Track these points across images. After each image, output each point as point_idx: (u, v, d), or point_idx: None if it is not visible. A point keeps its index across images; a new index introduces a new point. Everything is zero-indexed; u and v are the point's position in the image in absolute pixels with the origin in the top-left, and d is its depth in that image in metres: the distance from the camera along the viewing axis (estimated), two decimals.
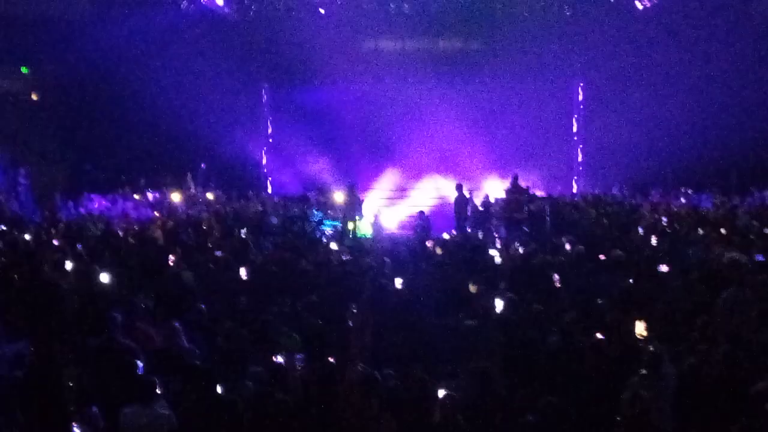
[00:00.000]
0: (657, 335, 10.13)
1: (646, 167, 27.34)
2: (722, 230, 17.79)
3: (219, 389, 8.35)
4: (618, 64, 28.26)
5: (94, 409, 7.92)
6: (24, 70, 28.69)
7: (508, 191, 23.97)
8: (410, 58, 29.84)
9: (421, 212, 23.72)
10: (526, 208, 23.43)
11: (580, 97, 31.19)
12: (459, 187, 23.76)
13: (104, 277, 12.97)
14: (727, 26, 25.85)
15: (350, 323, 11.08)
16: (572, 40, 28.38)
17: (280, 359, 9.00)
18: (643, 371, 8.72)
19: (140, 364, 8.85)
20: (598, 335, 9.74)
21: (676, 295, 11.85)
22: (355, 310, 11.32)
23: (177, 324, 9.86)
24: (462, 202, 23.71)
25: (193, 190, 28.33)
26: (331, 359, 8.88)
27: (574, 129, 31.33)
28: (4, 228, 19.13)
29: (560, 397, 8.06)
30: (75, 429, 7.57)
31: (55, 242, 17.21)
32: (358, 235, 20.85)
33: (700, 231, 17.97)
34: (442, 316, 10.77)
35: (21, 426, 7.72)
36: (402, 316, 11.14)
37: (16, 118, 27.14)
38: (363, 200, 24.20)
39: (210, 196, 27.66)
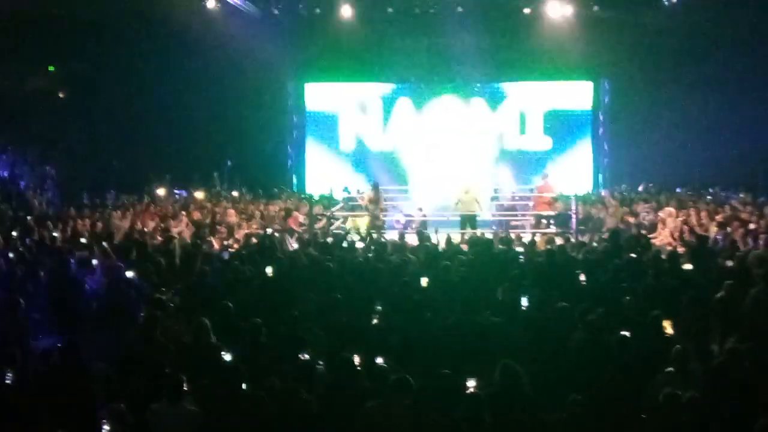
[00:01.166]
0: (683, 333, 10.10)
1: (673, 165, 27.18)
2: (751, 226, 17.71)
3: (245, 387, 8.36)
4: (644, 61, 28.08)
5: (122, 405, 7.96)
6: (51, 68, 28.86)
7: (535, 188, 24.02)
8: (437, 55, 29.80)
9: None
10: (552, 206, 23.40)
11: (605, 95, 31.05)
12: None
13: (131, 274, 13.05)
14: (758, 21, 25.56)
15: (375, 321, 11.06)
16: (597, 37, 28.21)
17: (306, 357, 9.01)
18: (670, 369, 8.70)
19: (167, 361, 8.90)
20: (624, 333, 9.72)
21: (702, 293, 11.76)
22: (380, 308, 11.32)
23: (204, 321, 9.89)
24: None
25: (218, 188, 28.46)
26: (356, 357, 8.85)
27: (600, 126, 31.19)
28: (33, 224, 19.25)
29: (586, 394, 8.05)
30: (104, 425, 7.62)
31: (83, 239, 17.33)
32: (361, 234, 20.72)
33: (728, 228, 17.85)
34: (467, 313, 10.72)
35: (49, 422, 7.77)
36: (427, 313, 11.13)
37: (44, 115, 27.30)
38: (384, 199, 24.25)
39: (235, 194, 27.78)
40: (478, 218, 22.92)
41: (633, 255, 14.71)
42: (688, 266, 13.74)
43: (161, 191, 26.52)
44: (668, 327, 10.12)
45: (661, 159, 27.39)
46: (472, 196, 23.03)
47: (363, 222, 23.11)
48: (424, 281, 12.71)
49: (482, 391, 8.07)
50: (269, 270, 13.57)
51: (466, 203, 22.80)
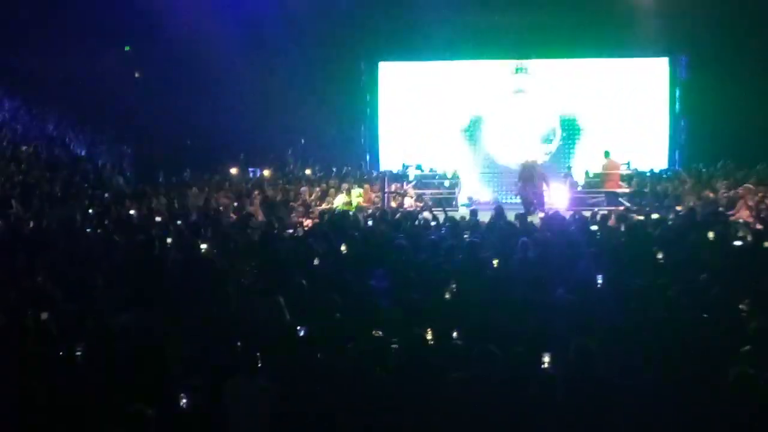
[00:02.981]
0: (762, 311, 9.91)
1: (753, 142, 26.61)
2: None
3: (320, 362, 8.40)
4: (723, 35, 27.51)
5: (198, 380, 8.05)
6: (127, 48, 29.19)
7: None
8: (512, 33, 29.53)
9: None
10: (626, 183, 23.16)
11: (682, 70, 30.56)
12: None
13: (206, 251, 13.17)
14: None
15: (448, 297, 11.03)
16: (675, 12, 27.72)
17: (379, 333, 9.02)
18: (747, 348, 8.55)
19: (242, 337, 8.98)
20: (701, 311, 9.58)
21: None
22: (453, 285, 11.28)
23: (279, 299, 9.94)
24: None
25: (292, 166, 28.62)
26: (429, 333, 8.84)
27: (677, 102, 30.72)
28: (110, 202, 19.53)
29: (662, 373, 7.95)
30: (182, 399, 7.72)
31: (158, 218, 17.53)
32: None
33: None
34: (541, 291, 10.65)
35: (128, 396, 7.88)
36: (501, 290, 11.07)
37: (120, 95, 27.64)
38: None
39: (308, 172, 27.91)
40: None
41: (710, 232, 14.50)
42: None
43: (234, 170, 26.74)
44: (746, 304, 9.96)
45: (740, 135, 26.82)
46: (535, 173, 22.88)
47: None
48: (495, 262, 12.65)
49: (555, 369, 8.02)
50: (343, 247, 13.61)
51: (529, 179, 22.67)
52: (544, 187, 22.85)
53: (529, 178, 22.53)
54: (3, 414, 7.67)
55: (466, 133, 31.23)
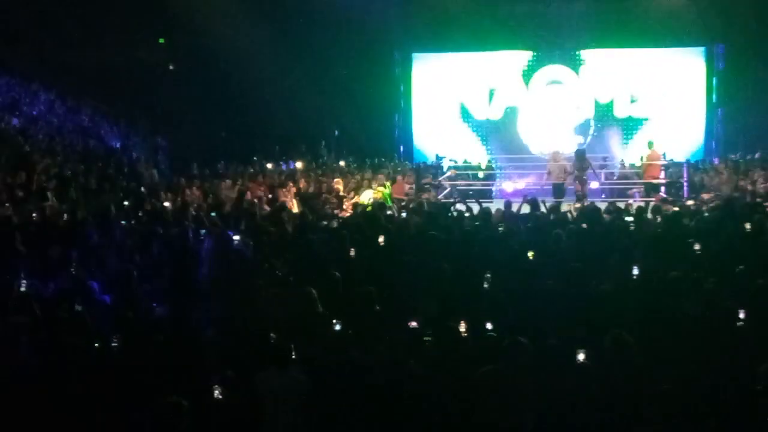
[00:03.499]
0: None
1: None
2: None
3: (354, 355, 8.38)
4: (762, 23, 27.20)
5: (232, 372, 8.06)
6: (161, 40, 29.31)
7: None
8: (548, 24, 29.36)
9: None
10: (663, 173, 22.97)
11: (720, 60, 30.27)
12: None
13: (240, 243, 13.17)
14: None
15: (484, 289, 10.98)
16: (712, 2, 27.48)
17: (414, 324, 8.99)
18: None
19: (276, 329, 8.97)
20: (736, 304, 9.48)
21: None
22: (488, 276, 11.22)
23: (311, 290, 9.93)
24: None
25: (325, 158, 28.63)
26: (462, 325, 8.79)
27: (714, 92, 30.44)
28: (145, 195, 19.60)
29: (698, 366, 7.86)
30: (215, 391, 7.73)
31: (193, 210, 17.57)
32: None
33: None
34: (577, 282, 10.57)
35: (163, 387, 7.89)
36: (535, 282, 11.00)
37: (154, 87, 27.77)
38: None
39: (342, 163, 27.91)
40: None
41: (748, 223, 14.34)
42: None
43: (269, 162, 26.78)
44: None
45: None
46: (562, 164, 22.70)
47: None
48: (530, 254, 12.56)
49: (592, 361, 7.95)
50: (381, 239, 13.57)
51: (555, 172, 22.52)
52: (564, 176, 22.70)
53: (582, 168, 22.37)
54: (39, 406, 7.70)
55: (501, 123, 31.14)
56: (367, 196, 21.03)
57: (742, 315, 9.27)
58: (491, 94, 31.12)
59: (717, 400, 7.64)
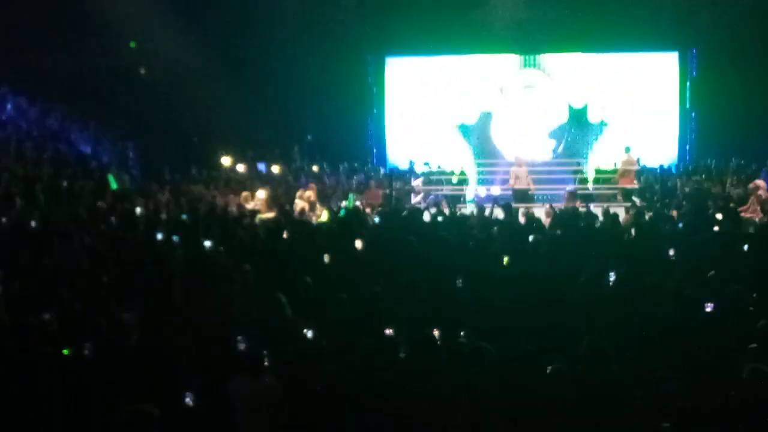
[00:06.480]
0: None
1: (763, 136, 26.44)
2: None
3: (325, 363, 8.33)
4: (735, 29, 27.34)
5: (203, 379, 7.99)
6: (132, 44, 29.10)
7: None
8: (521, 27, 29.37)
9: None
10: (636, 180, 23.10)
11: (693, 65, 30.42)
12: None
13: (211, 249, 13.09)
14: None
15: (457, 297, 10.93)
16: (685, 6, 27.60)
17: (389, 332, 8.93)
18: (753, 345, 8.46)
19: (248, 336, 8.89)
20: (709, 309, 9.51)
21: None
22: (460, 284, 11.18)
23: (281, 297, 9.85)
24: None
25: (299, 163, 28.55)
26: (436, 333, 8.74)
27: (687, 97, 30.59)
28: (115, 200, 19.44)
29: (673, 371, 7.85)
30: (187, 399, 7.65)
31: (164, 215, 17.46)
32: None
33: None
34: (552, 289, 10.54)
35: (132, 395, 7.79)
36: (511, 288, 10.97)
37: (125, 92, 27.57)
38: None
39: (315, 168, 27.83)
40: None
41: (717, 228, 14.49)
42: None
43: (241, 166, 26.64)
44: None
45: (751, 130, 26.70)
46: (525, 170, 22.87)
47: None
48: (505, 260, 12.53)
49: (567, 368, 7.90)
50: (358, 244, 13.52)
51: (521, 178, 22.67)
52: (529, 182, 22.93)
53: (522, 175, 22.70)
54: (8, 415, 7.59)
55: (474, 128, 31.15)
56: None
57: (713, 314, 9.34)
58: (465, 98, 31.10)
59: (693, 406, 7.62)
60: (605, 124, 30.59)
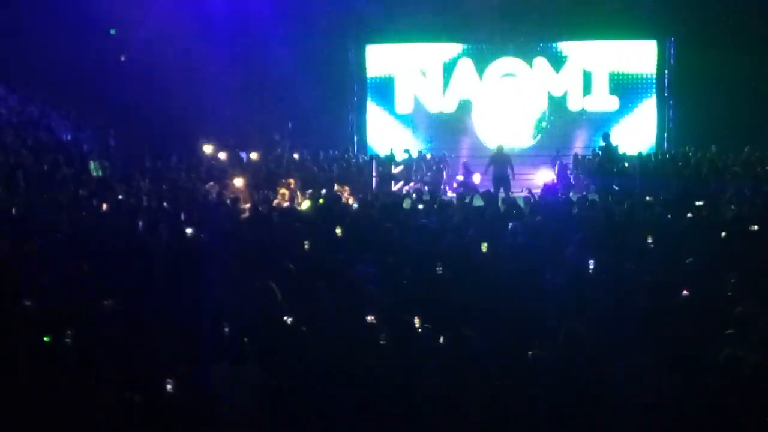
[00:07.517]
0: (746, 295, 9.89)
1: (741, 126, 26.60)
2: None
3: (308, 350, 8.36)
4: (713, 18, 27.50)
5: (185, 366, 8.00)
6: (112, 31, 28.98)
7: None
8: (500, 15, 29.37)
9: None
10: (614, 167, 23.16)
11: (671, 54, 30.53)
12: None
13: (193, 235, 13.09)
14: None
15: (436, 284, 10.97)
16: None
17: (370, 318, 8.96)
18: (730, 331, 8.55)
19: (229, 323, 8.92)
20: (685, 293, 9.65)
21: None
22: (440, 270, 11.22)
23: (271, 284, 9.86)
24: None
25: (279, 150, 28.47)
26: (416, 320, 8.79)
27: (666, 85, 30.71)
28: (96, 187, 19.39)
29: (650, 358, 7.93)
30: (168, 386, 7.67)
31: (145, 202, 17.43)
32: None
33: None
34: (531, 276, 10.61)
35: (114, 381, 7.82)
36: (490, 275, 11.02)
37: (105, 79, 27.44)
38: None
39: (296, 156, 27.77)
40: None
41: (690, 215, 14.60)
42: (754, 227, 13.49)
43: (223, 154, 26.58)
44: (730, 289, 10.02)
45: (728, 118, 26.87)
46: (505, 157, 22.92)
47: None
48: (484, 246, 12.56)
49: (545, 354, 7.97)
50: (338, 230, 13.54)
51: (500, 165, 22.71)
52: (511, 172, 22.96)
53: (502, 164, 22.71)
54: None
55: (455, 116, 31.18)
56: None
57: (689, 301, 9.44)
58: (444, 86, 31.14)
59: (670, 390, 7.69)
60: (585, 112, 30.68)
